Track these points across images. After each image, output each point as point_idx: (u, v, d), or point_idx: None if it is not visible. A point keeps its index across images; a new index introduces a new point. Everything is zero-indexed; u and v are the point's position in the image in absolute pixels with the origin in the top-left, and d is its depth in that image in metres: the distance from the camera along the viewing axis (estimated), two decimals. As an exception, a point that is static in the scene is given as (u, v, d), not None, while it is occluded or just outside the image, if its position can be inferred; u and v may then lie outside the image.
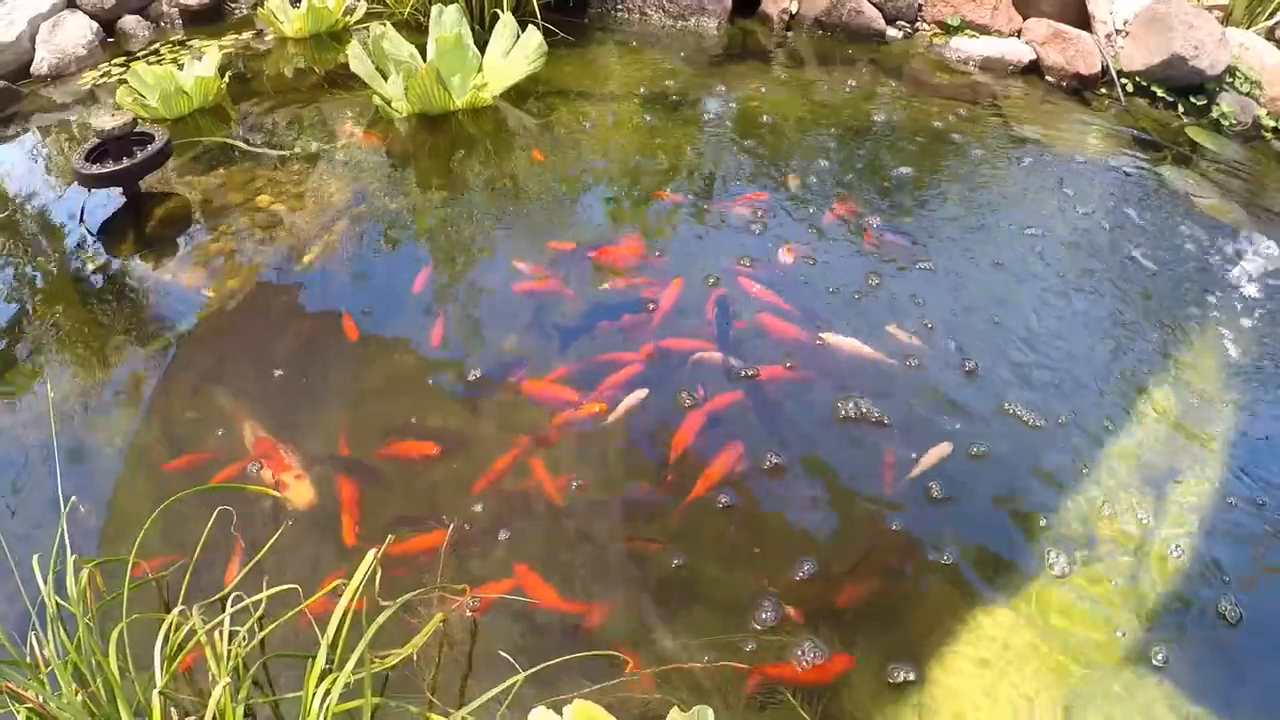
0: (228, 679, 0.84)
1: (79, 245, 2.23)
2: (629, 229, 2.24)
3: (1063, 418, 1.76)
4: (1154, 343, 1.98)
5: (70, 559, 1.01)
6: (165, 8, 3.71)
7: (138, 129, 2.23)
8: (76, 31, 3.53)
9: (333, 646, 0.98)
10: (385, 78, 2.76)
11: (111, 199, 2.30)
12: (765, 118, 2.78)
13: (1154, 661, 1.38)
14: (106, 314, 2.01)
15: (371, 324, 1.93)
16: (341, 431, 1.63)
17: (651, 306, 1.93)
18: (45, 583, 1.00)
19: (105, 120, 2.17)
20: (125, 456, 1.58)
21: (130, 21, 3.66)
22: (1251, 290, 2.20)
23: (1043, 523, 1.56)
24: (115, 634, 0.90)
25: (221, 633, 0.91)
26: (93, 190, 2.25)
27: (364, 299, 2.01)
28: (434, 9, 2.83)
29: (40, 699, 0.82)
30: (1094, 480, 1.66)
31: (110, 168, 2.13)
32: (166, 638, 0.93)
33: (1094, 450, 1.71)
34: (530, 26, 2.84)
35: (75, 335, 1.97)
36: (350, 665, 0.92)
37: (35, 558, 1.05)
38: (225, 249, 2.13)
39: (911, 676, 1.31)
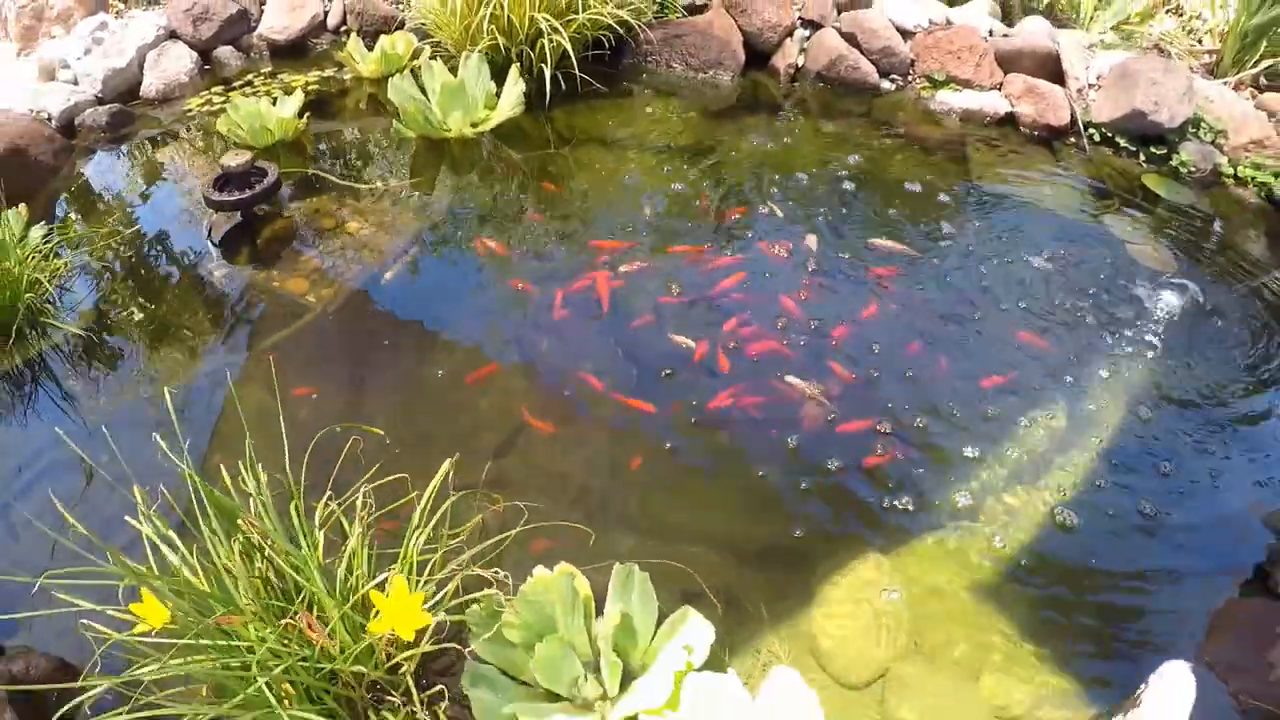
0: (359, 529, 1.46)
1: (206, 255, 2.91)
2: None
3: (950, 428, 2.34)
4: (1059, 366, 2.55)
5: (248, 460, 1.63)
6: (254, 41, 4.39)
7: (255, 165, 2.90)
8: (179, 60, 4.22)
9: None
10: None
11: (232, 219, 2.97)
12: (765, 162, 3.40)
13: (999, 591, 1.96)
14: (229, 310, 2.68)
15: (436, 325, 2.58)
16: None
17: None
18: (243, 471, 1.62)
19: (230, 159, 2.84)
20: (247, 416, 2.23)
21: (224, 52, 4.34)
22: (1151, 326, 2.75)
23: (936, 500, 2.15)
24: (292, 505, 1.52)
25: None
26: (217, 212, 2.92)
27: (432, 307, 2.66)
28: (464, 55, 3.51)
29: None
30: (983, 470, 2.24)
31: (234, 196, 2.80)
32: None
33: (990, 450, 2.29)
34: (517, 80, 3.50)
35: (203, 325, 2.65)
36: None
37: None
38: (321, 265, 2.79)
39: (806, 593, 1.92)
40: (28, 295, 2.72)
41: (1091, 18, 5.00)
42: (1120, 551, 2.11)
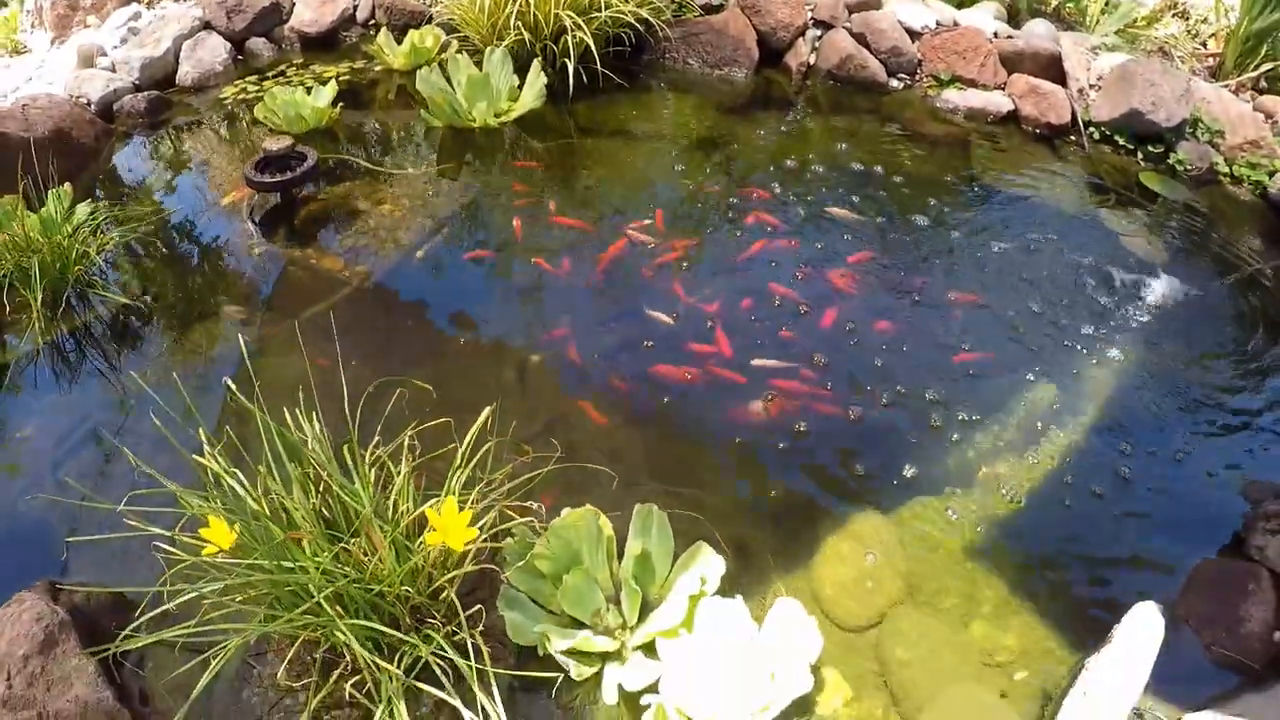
0: (406, 469, 1.62)
1: (246, 233, 3.08)
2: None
3: (949, 403, 2.50)
4: (1047, 349, 2.70)
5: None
6: (286, 32, 4.57)
7: (295, 149, 3.07)
8: (214, 50, 4.39)
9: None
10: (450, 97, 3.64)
11: (270, 200, 3.14)
12: (783, 156, 3.56)
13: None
14: (270, 284, 2.86)
15: (460, 301, 2.75)
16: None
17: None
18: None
19: (271, 143, 3.01)
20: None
21: (257, 43, 4.52)
22: (1136, 314, 2.90)
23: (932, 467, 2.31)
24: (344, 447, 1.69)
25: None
26: (258, 193, 3.09)
27: (458, 286, 2.83)
28: (488, 50, 3.68)
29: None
30: (977, 440, 2.39)
31: (275, 178, 2.97)
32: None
33: (985, 422, 2.44)
34: (539, 74, 3.69)
35: (246, 297, 2.82)
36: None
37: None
38: (357, 244, 2.96)
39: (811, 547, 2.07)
40: (76, 268, 2.89)
41: (1097, 21, 5.15)
42: (1105, 518, 2.25)
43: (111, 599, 1.90)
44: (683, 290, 2.82)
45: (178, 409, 2.08)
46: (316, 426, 1.74)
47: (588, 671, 1.59)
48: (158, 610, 1.66)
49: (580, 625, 1.67)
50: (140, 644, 1.65)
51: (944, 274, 3.00)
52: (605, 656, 1.64)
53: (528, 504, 1.62)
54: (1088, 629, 1.99)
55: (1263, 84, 4.63)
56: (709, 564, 1.72)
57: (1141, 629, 1.74)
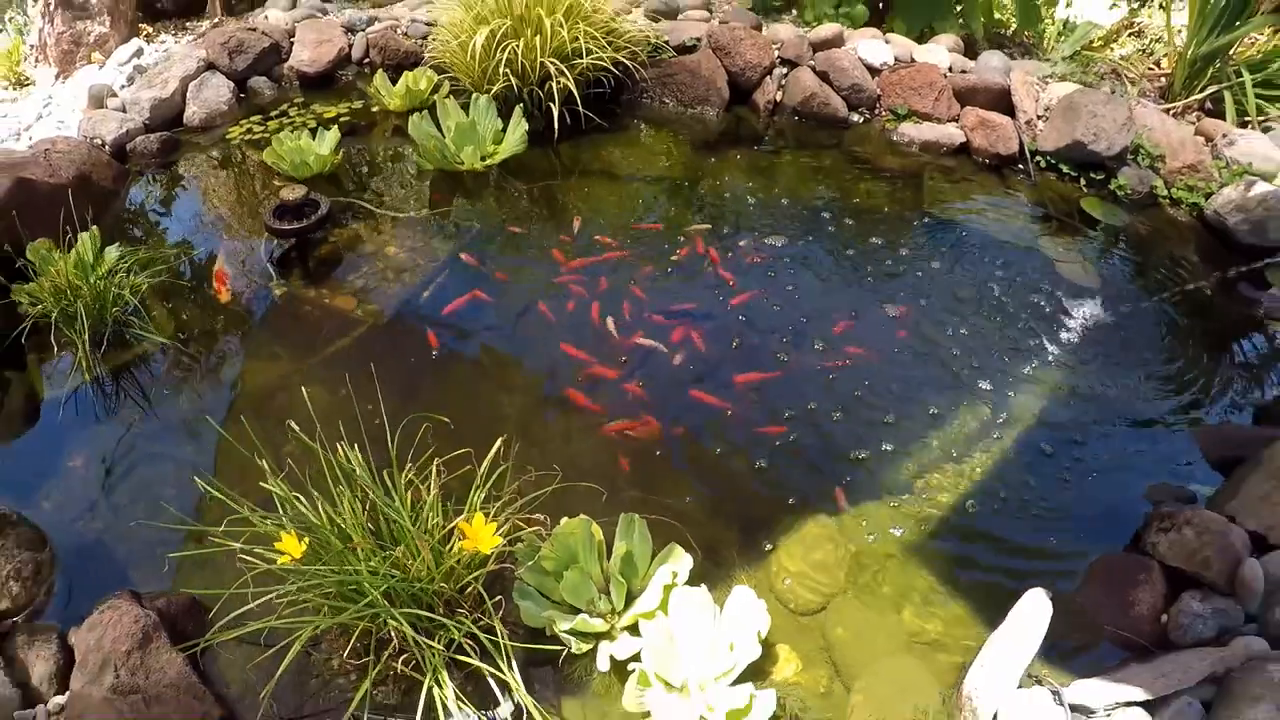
0: (435, 489, 2.14)
1: (265, 274, 3.59)
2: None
3: (890, 418, 3.04)
4: (980, 367, 3.24)
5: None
6: (285, 71, 5.07)
7: (309, 197, 3.58)
8: (218, 90, 4.89)
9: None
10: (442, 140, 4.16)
11: (285, 243, 3.66)
12: (748, 186, 4.10)
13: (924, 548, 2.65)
14: (291, 322, 3.37)
15: (455, 337, 3.27)
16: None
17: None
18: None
19: (288, 193, 3.52)
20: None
21: (259, 81, 5.02)
22: (1065, 333, 3.44)
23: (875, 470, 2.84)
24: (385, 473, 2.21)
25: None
26: (277, 239, 3.61)
27: (460, 322, 3.35)
28: (474, 97, 4.20)
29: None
30: (910, 453, 2.93)
31: (293, 225, 3.49)
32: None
33: (917, 436, 2.98)
34: (520, 120, 4.20)
35: (270, 335, 3.32)
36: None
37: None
38: (367, 284, 3.48)
39: (768, 546, 2.60)
40: (114, 309, 3.37)
41: (1054, 44, 5.71)
42: (1025, 521, 2.76)
43: (188, 602, 2.41)
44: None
45: (206, 442, 2.59)
46: (358, 454, 2.25)
47: (585, 647, 2.12)
48: (239, 610, 2.17)
49: (578, 611, 2.19)
50: (221, 638, 2.16)
51: (889, 296, 3.54)
52: (599, 635, 2.17)
53: (535, 515, 2.14)
54: (1001, 613, 2.51)
55: (1208, 105, 5.19)
56: (680, 561, 2.25)
57: (1031, 609, 2.27)
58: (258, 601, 2.07)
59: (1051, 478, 2.89)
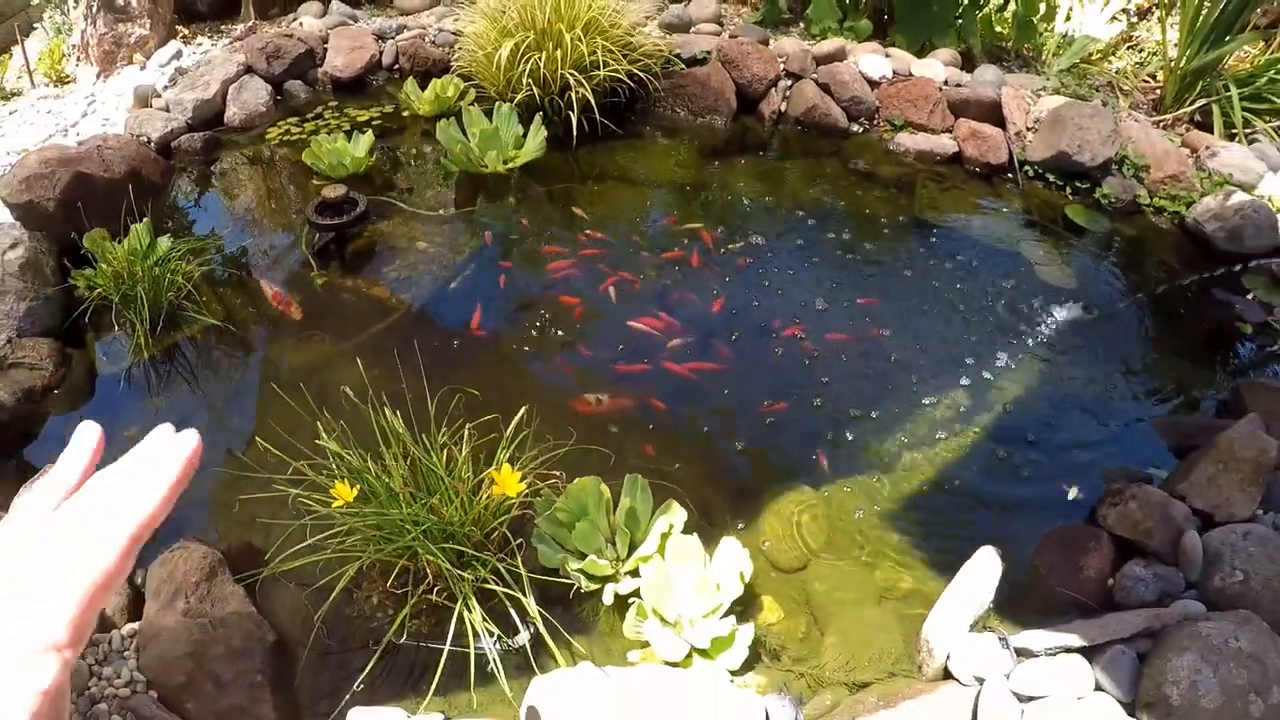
0: (467, 450, 2.54)
1: (306, 265, 4.01)
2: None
3: (874, 401, 3.42)
4: (957, 360, 3.61)
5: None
6: (319, 75, 5.50)
7: (348, 195, 4.00)
8: (256, 93, 5.31)
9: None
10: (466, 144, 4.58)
11: (324, 236, 4.07)
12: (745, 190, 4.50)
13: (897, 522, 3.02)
14: (331, 309, 3.78)
15: (482, 322, 3.67)
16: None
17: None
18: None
19: (329, 191, 3.94)
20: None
21: (294, 85, 5.44)
22: (1042, 331, 3.81)
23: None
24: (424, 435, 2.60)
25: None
26: (318, 233, 4.02)
27: (486, 309, 3.75)
28: (497, 104, 4.62)
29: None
30: (890, 432, 3.30)
31: (334, 221, 3.91)
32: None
33: (898, 419, 3.35)
34: (540, 127, 4.61)
35: (314, 320, 3.73)
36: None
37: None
38: (400, 275, 3.89)
39: (757, 509, 2.98)
40: (168, 294, 3.77)
41: (1052, 57, 6.07)
42: (994, 497, 3.13)
43: (245, 546, 2.81)
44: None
45: (256, 412, 3.00)
46: (398, 417, 2.66)
47: (593, 587, 2.52)
48: (293, 550, 2.57)
49: (587, 558, 2.59)
50: (279, 569, 2.57)
51: (879, 290, 3.92)
52: (605, 578, 2.57)
53: (553, 472, 2.54)
54: (965, 572, 2.88)
55: (1198, 118, 5.54)
56: (676, 515, 2.64)
57: (982, 565, 2.64)
58: (308, 543, 2.47)
59: (1022, 460, 3.25)
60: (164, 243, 3.94)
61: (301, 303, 3.80)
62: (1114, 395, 3.56)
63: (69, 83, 6.26)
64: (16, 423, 3.32)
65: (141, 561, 2.68)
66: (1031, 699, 2.43)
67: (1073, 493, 3.15)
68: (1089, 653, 2.54)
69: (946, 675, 2.55)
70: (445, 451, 2.58)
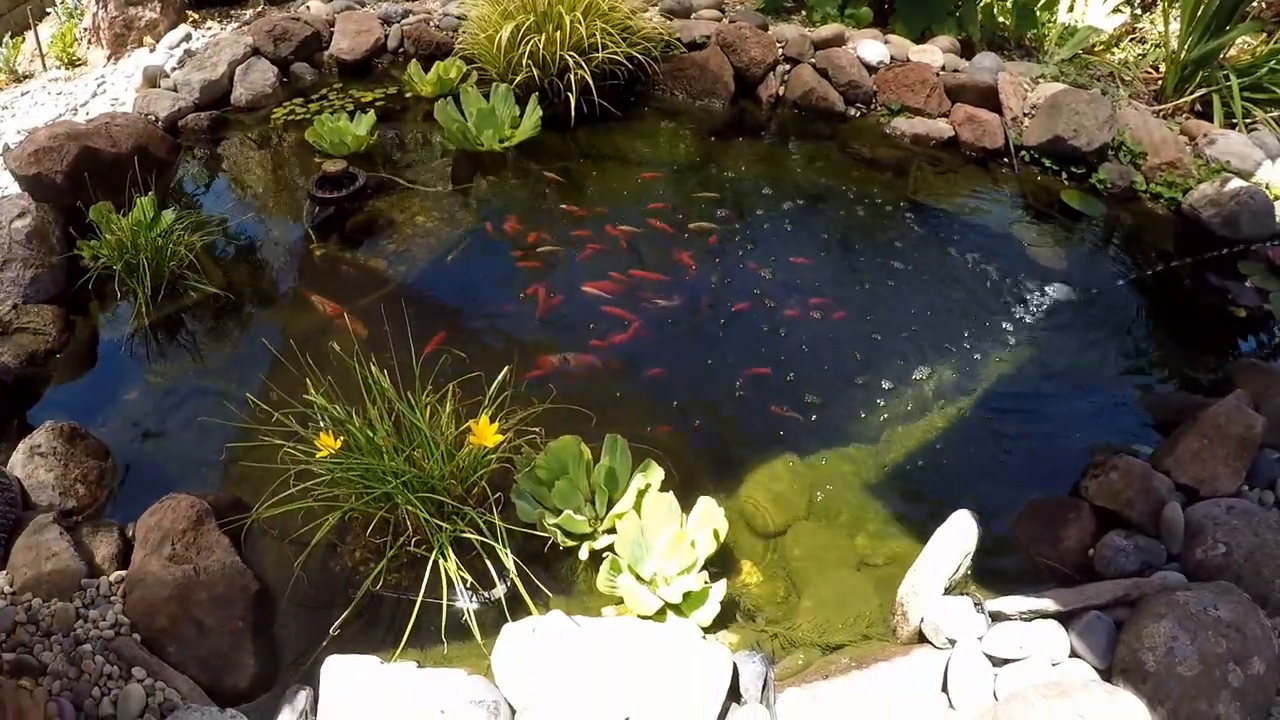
0: (450, 406, 2.57)
1: (306, 238, 4.06)
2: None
3: (861, 374, 3.43)
4: (948, 338, 3.62)
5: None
6: (325, 58, 5.55)
7: (348, 170, 4.05)
8: (263, 74, 5.36)
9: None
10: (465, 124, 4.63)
11: (324, 210, 4.12)
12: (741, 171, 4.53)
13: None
14: (330, 279, 3.82)
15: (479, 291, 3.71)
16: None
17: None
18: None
19: (330, 166, 3.99)
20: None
21: (300, 67, 5.49)
22: (1033, 311, 3.81)
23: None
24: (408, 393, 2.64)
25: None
26: (319, 207, 4.07)
27: (478, 280, 3.79)
28: (494, 85, 4.65)
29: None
30: (876, 405, 3.31)
31: (334, 195, 3.96)
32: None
33: (883, 392, 3.37)
34: (535, 107, 4.65)
35: (312, 289, 3.77)
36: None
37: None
38: (397, 249, 3.93)
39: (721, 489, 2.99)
40: (171, 263, 3.82)
41: (1054, 47, 6.05)
42: (977, 468, 3.13)
43: (232, 499, 2.85)
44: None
45: (253, 375, 3.05)
46: (387, 376, 2.69)
47: (570, 544, 2.55)
48: (278, 498, 2.61)
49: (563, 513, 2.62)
50: (264, 515, 2.61)
51: (871, 269, 3.93)
52: (583, 536, 2.59)
53: (533, 429, 2.58)
54: (944, 541, 2.88)
55: (1198, 108, 5.52)
56: (654, 474, 2.66)
57: (957, 528, 2.64)
58: (291, 491, 2.51)
59: (1009, 435, 3.25)
60: (167, 215, 3.99)
61: (300, 274, 3.85)
62: (1104, 373, 3.56)
63: (80, 65, 6.34)
64: (20, 385, 3.37)
65: (132, 514, 2.72)
66: (1005, 662, 2.43)
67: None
68: (1065, 619, 2.53)
69: (921, 639, 2.55)
70: (429, 409, 2.61)
